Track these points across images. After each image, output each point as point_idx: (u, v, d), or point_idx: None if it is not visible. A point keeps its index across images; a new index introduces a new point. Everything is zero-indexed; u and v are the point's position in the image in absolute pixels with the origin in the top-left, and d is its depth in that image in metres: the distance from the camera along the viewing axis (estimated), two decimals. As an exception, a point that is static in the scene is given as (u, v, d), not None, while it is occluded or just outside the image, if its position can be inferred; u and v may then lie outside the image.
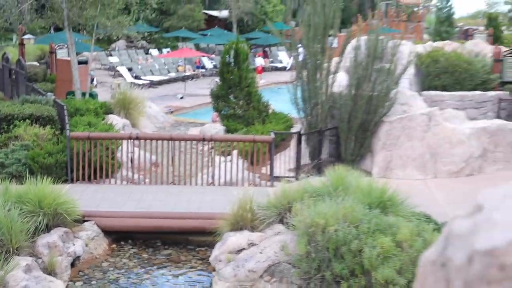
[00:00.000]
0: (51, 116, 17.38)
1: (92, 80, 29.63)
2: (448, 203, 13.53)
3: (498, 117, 20.57)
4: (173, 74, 39.57)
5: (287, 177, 15.33)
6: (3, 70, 27.74)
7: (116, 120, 19.72)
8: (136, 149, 15.85)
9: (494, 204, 1.20)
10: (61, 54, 30.25)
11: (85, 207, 12.00)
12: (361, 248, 9.12)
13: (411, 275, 8.53)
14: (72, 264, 10.79)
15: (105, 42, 42.14)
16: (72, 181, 14.31)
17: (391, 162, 16.93)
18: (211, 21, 56.01)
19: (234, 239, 10.85)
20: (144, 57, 42.81)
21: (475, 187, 13.77)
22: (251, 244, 10.71)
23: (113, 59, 41.28)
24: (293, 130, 19.77)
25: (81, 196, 12.34)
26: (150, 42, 50.64)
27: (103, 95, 26.00)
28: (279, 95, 24.61)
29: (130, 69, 38.23)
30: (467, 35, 48.58)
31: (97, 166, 14.53)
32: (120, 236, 12.22)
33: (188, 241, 12.22)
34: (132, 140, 15.25)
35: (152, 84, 36.51)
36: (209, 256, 11.11)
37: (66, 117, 16.20)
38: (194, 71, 41.06)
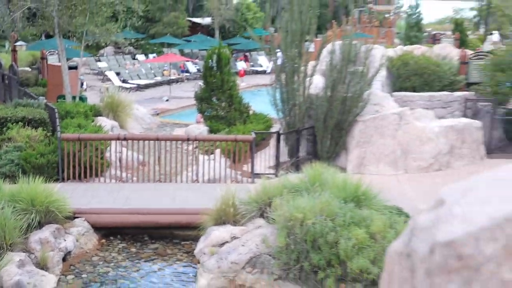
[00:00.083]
0: (43, 118, 17.28)
1: (82, 84, 29.52)
2: (418, 196, 13.60)
3: (465, 116, 20.71)
4: (159, 78, 39.48)
5: (267, 174, 15.35)
6: (-4, 75, 27.52)
7: (105, 122, 19.63)
8: (124, 149, 15.81)
9: (454, 198, 1.21)
10: (52, 60, 30.12)
11: (76, 204, 11.95)
12: (337, 240, 9.15)
13: (384, 264, 8.57)
14: (64, 259, 10.74)
15: (94, 48, 41.92)
16: (63, 180, 14.24)
17: (365, 158, 17.00)
18: (195, 28, 55.95)
19: (218, 233, 10.85)
20: (131, 62, 42.66)
21: (443, 182, 13.88)
22: (234, 238, 10.71)
23: (102, 64, 41.10)
24: (273, 130, 19.80)
25: (72, 194, 12.27)
26: (137, 48, 50.47)
27: (93, 99, 25.91)
28: (259, 97, 24.61)
29: (118, 74, 38.10)
30: (435, 39, 48.91)
31: (87, 166, 14.48)
32: (109, 232, 12.18)
33: (174, 235, 12.21)
34: (120, 141, 15.21)
35: (139, 87, 36.41)
36: (194, 250, 11.11)
37: (57, 120, 16.11)
38: (178, 75, 41.00)
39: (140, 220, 12.22)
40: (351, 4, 53.34)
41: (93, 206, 12.40)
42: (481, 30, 57.02)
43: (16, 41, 37.24)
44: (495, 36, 50.69)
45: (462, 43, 42.69)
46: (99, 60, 42.20)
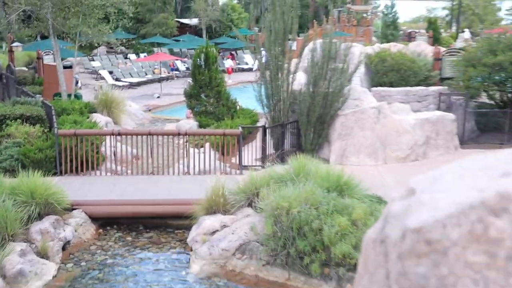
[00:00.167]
0: (40, 115, 17.20)
1: (77, 82, 29.38)
2: (396, 185, 13.68)
3: (439, 109, 20.82)
4: (150, 76, 39.32)
5: (254, 166, 15.38)
6: (-5, 75, 27.37)
7: (99, 118, 19.58)
8: (119, 144, 15.77)
9: (423, 187, 1.25)
10: (48, 59, 29.92)
11: (74, 196, 11.94)
12: (321, 227, 9.20)
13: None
14: (63, 248, 10.74)
15: (88, 48, 41.69)
16: (61, 173, 14.21)
17: (346, 150, 17.05)
18: (183, 28, 55.79)
19: (209, 222, 10.88)
20: (123, 61, 42.45)
21: (419, 171, 13.87)
22: (224, 226, 10.75)
23: (95, 64, 40.87)
24: (259, 124, 19.81)
25: (69, 187, 12.26)
26: (129, 47, 50.22)
27: (87, 96, 25.79)
28: (246, 93, 24.58)
29: (111, 72, 37.93)
30: (410, 37, 49.04)
31: (83, 160, 14.45)
32: (106, 222, 12.18)
33: (168, 224, 12.22)
34: (114, 136, 15.18)
35: (131, 85, 36.25)
36: (187, 238, 11.13)
37: (54, 116, 16.07)
38: (169, 73, 40.87)
39: (135, 210, 12.22)
40: (331, 4, 53.33)
41: (90, 198, 12.40)
42: (453, 28, 57.26)
43: (13, 42, 37.02)
44: (466, 34, 50.98)
45: (435, 40, 42.88)
46: (93, 60, 41.96)
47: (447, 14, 64.36)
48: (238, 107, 22.30)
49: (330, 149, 17.23)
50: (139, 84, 37.12)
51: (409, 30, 56.95)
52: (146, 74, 39.75)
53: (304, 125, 17.16)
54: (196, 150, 15.98)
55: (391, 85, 22.56)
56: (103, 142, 15.60)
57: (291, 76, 17.64)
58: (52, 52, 26.94)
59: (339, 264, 9.00)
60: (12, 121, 16.58)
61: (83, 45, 28.79)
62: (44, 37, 36.10)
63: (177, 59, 43.04)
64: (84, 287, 9.57)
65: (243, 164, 15.35)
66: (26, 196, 10.87)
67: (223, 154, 15.89)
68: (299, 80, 17.76)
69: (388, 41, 38.85)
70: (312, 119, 17.00)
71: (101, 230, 11.96)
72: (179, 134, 15.68)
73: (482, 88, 20.14)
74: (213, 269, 10.01)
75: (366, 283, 1.30)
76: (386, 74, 22.91)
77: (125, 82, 36.38)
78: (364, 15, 54.01)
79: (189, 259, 10.52)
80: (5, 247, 9.53)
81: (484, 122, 20.15)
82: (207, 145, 16.31)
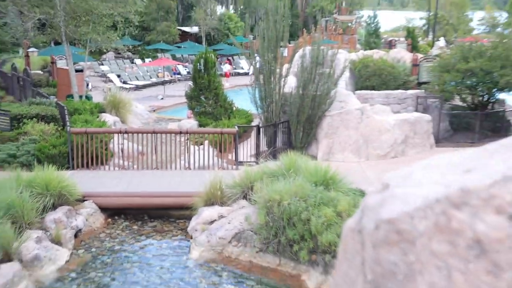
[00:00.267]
0: (54, 115, 17.20)
1: (87, 85, 29.29)
2: (377, 180, 13.70)
3: (416, 110, 20.88)
4: (154, 79, 39.21)
5: (249, 162, 15.41)
6: (13, 77, 27.34)
7: (108, 118, 19.54)
8: (125, 141, 15.76)
9: (396, 182, 1.27)
10: (61, 64, 29.82)
11: (85, 189, 11.95)
12: (309, 217, 9.23)
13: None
14: (75, 236, 10.76)
15: (97, 54, 41.60)
16: (73, 168, 14.20)
17: (332, 148, 17.08)
18: (184, 36, 55.62)
19: (207, 213, 10.90)
20: (130, 65, 42.36)
21: (397, 167, 13.98)
22: (221, 216, 10.77)
23: (104, 68, 40.78)
24: (253, 123, 19.81)
25: (80, 180, 12.26)
26: (135, 53, 50.07)
27: (97, 97, 25.72)
28: (241, 95, 24.56)
29: (118, 76, 37.84)
30: (390, 45, 49.10)
31: (93, 156, 14.44)
32: (114, 212, 12.19)
33: (170, 215, 12.24)
34: (122, 134, 15.17)
35: (137, 87, 36.17)
36: (187, 227, 11.16)
37: (67, 116, 16.06)
38: (171, 76, 40.77)
39: (140, 202, 12.24)
40: (319, 14, 53.39)
41: (100, 190, 12.40)
42: (430, 37, 57.27)
43: (29, 47, 36.90)
44: (442, 42, 51.03)
45: (413, 48, 42.93)
46: (102, 64, 41.85)
47: (424, 24, 64.33)
48: (234, 108, 22.29)
49: (318, 146, 17.26)
50: (144, 86, 37.03)
51: (390, 38, 56.97)
52: (151, 78, 39.65)
53: (294, 125, 17.18)
54: (196, 147, 15.98)
55: (373, 88, 22.63)
56: (112, 140, 15.59)
57: (283, 80, 17.65)
58: (64, 57, 26.86)
59: (325, 252, 9.03)
60: (29, 120, 16.61)
61: (93, 50, 28.69)
62: (57, 43, 35.99)
63: (179, 64, 42.93)
64: (94, 271, 9.58)
65: (238, 160, 15.37)
66: (42, 188, 10.88)
67: (220, 151, 15.89)
68: (290, 84, 17.78)
69: (371, 48, 38.89)
70: (301, 119, 17.03)
71: (109, 220, 11.97)
72: (180, 132, 15.68)
73: (455, 92, 20.19)
74: (211, 255, 10.03)
75: (345, 269, 1.33)
76: (369, 79, 22.98)
77: (132, 84, 36.29)
78: (349, 24, 54.00)
79: (189, 246, 10.55)
80: (22, 234, 9.55)
81: (457, 123, 20.22)
82: (206, 142, 16.32)
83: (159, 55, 47.54)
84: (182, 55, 48.99)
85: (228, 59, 47.63)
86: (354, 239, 1.25)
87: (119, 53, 46.16)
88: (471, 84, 19.59)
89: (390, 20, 79.47)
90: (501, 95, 20.85)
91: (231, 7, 67.98)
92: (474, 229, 1.00)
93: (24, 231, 9.72)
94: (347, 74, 20.93)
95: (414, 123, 17.53)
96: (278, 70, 17.65)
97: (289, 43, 27.37)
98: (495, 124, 19.63)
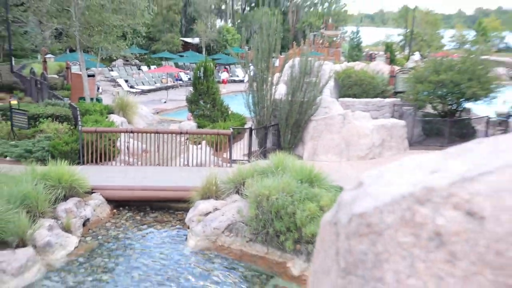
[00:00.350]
0: (67, 115, 17.14)
1: (98, 88, 29.22)
2: (356, 179, 13.71)
3: (393, 117, 20.97)
4: (158, 85, 39.14)
5: (242, 160, 15.41)
6: (31, 81, 27.24)
7: (116, 118, 19.48)
8: (131, 140, 15.73)
9: (369, 181, 1.29)
10: (75, 69, 29.73)
11: (93, 182, 11.90)
12: (294, 211, 9.23)
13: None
14: (84, 224, 10.71)
15: (108, 61, 41.50)
16: (83, 163, 14.15)
17: (317, 149, 17.11)
18: (186, 46, 55.60)
19: (203, 205, 10.89)
20: (137, 72, 42.26)
21: (375, 167, 14.05)
22: (215, 209, 10.75)
23: (114, 73, 40.66)
24: (246, 126, 19.81)
25: (90, 174, 12.21)
26: (141, 60, 49.99)
27: (106, 100, 25.67)
28: (236, 100, 24.56)
29: (126, 81, 37.74)
30: (371, 57, 49.29)
31: (102, 152, 14.41)
32: (119, 204, 12.15)
33: (170, 207, 12.21)
34: (128, 133, 15.14)
35: (143, 92, 36.09)
36: (185, 218, 11.13)
37: (79, 116, 16.00)
38: (174, 82, 40.69)
39: (143, 194, 12.21)
40: (308, 29, 53.46)
41: (107, 183, 12.36)
42: (406, 51, 57.49)
43: (46, 54, 36.81)
44: (416, 56, 51.24)
45: (391, 61, 43.11)
46: (112, 70, 41.74)
47: (401, 39, 64.56)
48: (229, 112, 22.29)
49: (304, 148, 17.29)
50: (149, 91, 36.96)
51: (370, 52, 57.19)
52: (155, 83, 39.58)
53: (283, 128, 17.22)
54: (195, 147, 15.97)
55: (354, 96, 22.71)
56: (119, 138, 15.56)
57: (274, 87, 17.68)
58: (78, 63, 26.79)
59: (308, 242, 9.04)
60: (44, 119, 16.57)
61: (104, 58, 28.61)
62: (72, 51, 35.95)
63: (181, 71, 42.88)
64: (100, 256, 9.55)
65: (232, 158, 15.36)
66: (54, 181, 10.84)
67: (216, 150, 15.90)
68: (280, 91, 17.81)
69: (353, 61, 39.04)
70: (289, 123, 17.06)
71: (115, 210, 11.93)
72: (181, 133, 15.65)
73: (427, 101, 20.30)
74: (206, 244, 10.02)
75: (322, 257, 1.34)
76: (351, 88, 23.06)
77: (138, 89, 36.21)
78: (334, 39, 54.13)
79: (186, 235, 10.53)
80: (36, 223, 9.50)
81: (429, 128, 20.32)
82: (204, 142, 16.30)
83: (163, 63, 47.51)
84: (184, 63, 48.95)
85: (225, 68, 47.62)
86: (330, 231, 1.27)
87: (127, 61, 46.10)
88: (442, 94, 19.71)
89: (371, 36, 79.70)
90: (467, 105, 20.98)
91: (229, 21, 68.03)
92: (435, 223, 1.01)
93: (37, 220, 9.68)
94: (331, 83, 20.98)
95: (390, 128, 17.60)
96: (270, 79, 17.68)
97: (280, 54, 27.37)
98: (462, 130, 19.74)
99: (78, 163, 13.94)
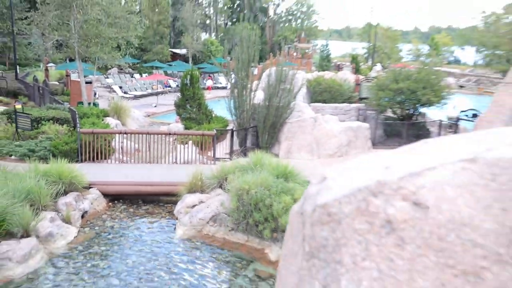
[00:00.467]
0: (67, 118, 16.93)
1: (95, 94, 28.90)
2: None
3: (358, 120, 21.14)
4: (149, 91, 38.81)
5: (224, 158, 15.39)
6: (34, 87, 26.85)
7: (111, 121, 19.28)
8: (125, 140, 15.61)
9: (332, 176, 1.31)
10: (74, 76, 29.37)
11: (90, 178, 11.79)
12: (271, 203, 9.26)
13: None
14: (82, 216, 10.61)
15: (104, 69, 41.00)
16: (81, 161, 13.99)
17: (291, 148, 17.18)
18: (175, 56, 55.26)
19: (190, 199, 10.87)
20: (130, 79, 41.84)
21: (342, 164, 14.15)
22: (201, 202, 10.74)
23: (109, 80, 40.19)
24: (228, 127, 19.80)
25: (87, 171, 12.09)
26: (134, 69, 49.49)
27: (102, 104, 25.39)
28: (219, 105, 24.50)
29: (120, 87, 37.38)
30: (339, 67, 49.58)
31: (98, 151, 14.26)
32: (114, 197, 12.05)
33: (160, 200, 12.16)
34: (122, 134, 15.01)
35: (135, 97, 35.76)
36: (174, 210, 11.10)
37: (77, 119, 15.81)
38: (163, 89, 40.41)
39: (136, 189, 12.13)
40: (283, 42, 53.53)
41: (103, 179, 12.25)
42: (369, 62, 58.03)
43: (48, 63, 36.26)
44: (378, 67, 51.72)
45: (356, 70, 43.48)
46: (107, 77, 41.24)
47: (365, 52, 65.13)
48: (213, 115, 22.23)
49: (280, 147, 17.35)
50: (141, 96, 36.63)
51: (338, 63, 57.55)
52: (147, 89, 39.25)
53: (261, 129, 17.25)
54: (182, 146, 15.89)
55: (324, 101, 22.84)
56: (113, 139, 15.40)
57: (253, 93, 17.70)
58: (77, 71, 26.44)
59: (284, 231, 9.06)
60: (46, 121, 16.35)
61: (100, 66, 28.36)
62: (71, 60, 35.41)
63: (169, 79, 42.60)
64: (97, 245, 9.46)
65: (216, 156, 15.34)
66: (55, 177, 10.72)
67: (201, 149, 15.86)
68: (258, 97, 17.84)
69: (323, 70, 39.24)
70: (267, 125, 17.10)
71: (110, 204, 11.83)
72: (169, 134, 15.58)
73: (388, 106, 20.52)
74: (192, 233, 10.00)
75: (291, 243, 1.36)
76: (321, 94, 23.18)
77: (131, 94, 35.88)
78: (306, 51, 54.35)
79: (175, 225, 10.50)
80: (39, 215, 9.40)
81: (389, 130, 20.55)
82: (190, 142, 16.24)
83: (154, 71, 47.11)
84: (172, 72, 48.61)
85: (209, 76, 47.45)
86: (297, 220, 1.29)
87: (121, 69, 45.67)
88: (400, 100, 19.94)
89: (339, 48, 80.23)
90: (423, 109, 21.27)
91: (213, 34, 67.88)
92: (386, 212, 1.04)
93: (40, 213, 9.57)
94: (304, 90, 21.08)
95: (356, 130, 17.75)
96: (249, 86, 17.69)
97: (259, 64, 27.44)
98: (418, 132, 20.00)
99: (77, 161, 13.78)
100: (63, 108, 19.35)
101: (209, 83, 42.72)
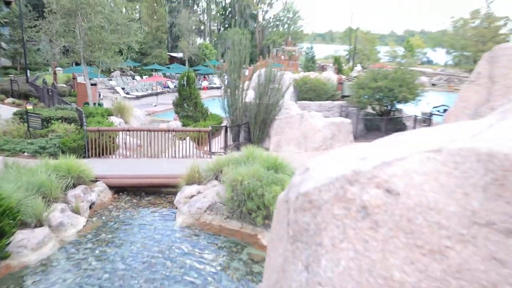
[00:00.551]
0: (74, 117, 16.82)
1: (100, 95, 28.69)
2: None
3: (341, 116, 21.20)
4: (149, 91, 38.61)
5: (219, 152, 15.37)
6: (43, 89, 26.65)
7: (115, 119, 19.18)
8: (128, 137, 15.53)
9: (313, 166, 1.32)
10: (80, 79, 29.15)
11: (97, 172, 11.74)
12: (263, 193, 9.28)
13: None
14: (90, 207, 10.56)
15: (107, 72, 40.65)
16: (88, 157, 13.91)
17: (280, 142, 17.22)
18: (172, 59, 54.99)
19: (188, 190, 10.85)
20: (131, 81, 41.61)
21: (323, 156, 14.18)
22: (198, 192, 10.74)
23: (112, 82, 39.95)
24: (223, 124, 19.77)
25: (94, 166, 12.02)
26: (135, 72, 49.19)
27: (107, 104, 25.23)
28: (214, 103, 24.43)
29: (123, 88, 37.17)
30: (323, 68, 49.61)
31: (103, 148, 14.19)
32: (119, 190, 12.01)
33: (161, 191, 12.13)
34: (125, 132, 14.95)
35: (137, 97, 35.59)
36: (174, 200, 11.09)
37: (84, 118, 15.71)
38: (162, 89, 40.24)
39: (138, 182, 12.10)
40: (271, 45, 53.46)
41: (108, 173, 12.20)
42: (350, 63, 58.12)
43: (56, 67, 35.99)
44: (359, 67, 51.84)
45: (339, 71, 43.50)
46: (111, 80, 40.98)
47: (346, 54, 65.21)
48: (209, 113, 22.18)
49: (270, 141, 17.38)
50: (142, 96, 36.46)
51: (322, 64, 57.56)
52: (147, 90, 39.05)
53: (252, 125, 17.26)
54: (180, 142, 15.85)
55: (310, 99, 22.86)
56: (117, 136, 15.33)
57: (244, 92, 17.69)
58: (83, 74, 26.25)
59: (274, 217, 9.09)
60: (55, 121, 16.23)
61: (104, 69, 28.11)
62: (77, 64, 35.07)
63: (168, 80, 42.42)
64: (104, 233, 9.44)
65: (212, 151, 15.32)
66: (65, 172, 10.66)
67: (198, 144, 15.82)
68: (250, 95, 17.83)
69: (308, 71, 39.23)
70: (258, 121, 17.11)
71: (115, 195, 11.79)
72: (168, 130, 15.53)
73: (368, 103, 20.60)
74: (191, 221, 10.00)
75: (277, 228, 1.37)
76: (307, 92, 23.20)
77: (133, 95, 35.69)
78: (293, 53, 54.29)
79: (175, 214, 10.50)
80: (50, 206, 9.36)
81: (370, 125, 20.64)
82: (188, 138, 16.20)
83: (153, 73, 46.89)
84: (170, 74, 48.41)
85: (205, 77, 47.28)
86: (283, 207, 1.30)
87: (123, 72, 45.29)
88: (379, 97, 20.03)
89: (322, 51, 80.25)
90: (399, 106, 21.37)
91: (207, 39, 67.60)
92: (362, 199, 1.05)
93: (51, 204, 9.52)
94: (291, 89, 21.10)
95: (339, 125, 17.82)
96: (241, 86, 17.68)
97: (250, 66, 27.37)
98: (395, 126, 20.11)
99: (84, 157, 13.71)
100: (71, 108, 19.21)
101: (205, 83, 42.60)
